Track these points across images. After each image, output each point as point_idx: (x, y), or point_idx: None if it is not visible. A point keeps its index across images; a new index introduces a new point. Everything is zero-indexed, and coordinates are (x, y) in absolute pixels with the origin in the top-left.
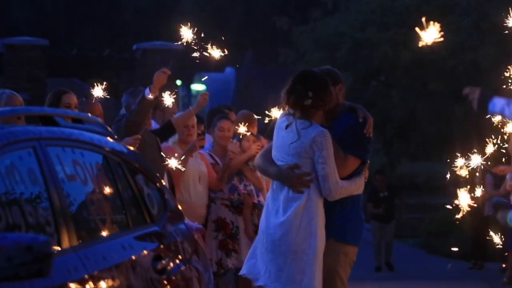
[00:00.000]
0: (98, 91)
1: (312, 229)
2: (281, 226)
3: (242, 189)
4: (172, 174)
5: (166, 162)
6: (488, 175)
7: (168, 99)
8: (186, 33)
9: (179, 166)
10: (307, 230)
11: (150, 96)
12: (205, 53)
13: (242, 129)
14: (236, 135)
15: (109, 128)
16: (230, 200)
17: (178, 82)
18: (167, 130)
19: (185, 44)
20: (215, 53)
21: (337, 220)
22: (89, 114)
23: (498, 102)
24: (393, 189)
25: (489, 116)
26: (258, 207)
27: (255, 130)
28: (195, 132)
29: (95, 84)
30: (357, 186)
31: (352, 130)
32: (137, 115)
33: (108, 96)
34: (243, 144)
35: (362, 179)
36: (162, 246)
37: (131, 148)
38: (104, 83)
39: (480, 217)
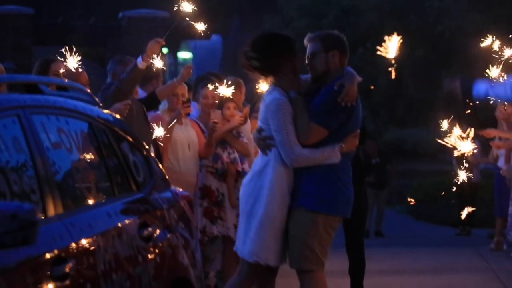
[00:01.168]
0: (71, 62)
1: (263, 194)
2: (242, 188)
3: (225, 157)
4: (159, 142)
5: (152, 131)
6: (476, 141)
7: (158, 63)
8: (186, 7)
9: (164, 134)
10: (258, 194)
11: (142, 65)
12: (191, 23)
13: (224, 90)
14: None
15: (94, 96)
16: (215, 168)
17: (165, 50)
18: (151, 101)
19: (187, 18)
20: (200, 26)
21: (304, 187)
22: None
23: (481, 87)
24: (385, 155)
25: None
26: (242, 175)
27: (242, 97)
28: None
29: (68, 53)
30: (324, 156)
31: (325, 98)
32: (127, 84)
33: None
34: (224, 112)
35: (334, 149)
36: (148, 214)
37: (117, 115)
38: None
39: (468, 183)
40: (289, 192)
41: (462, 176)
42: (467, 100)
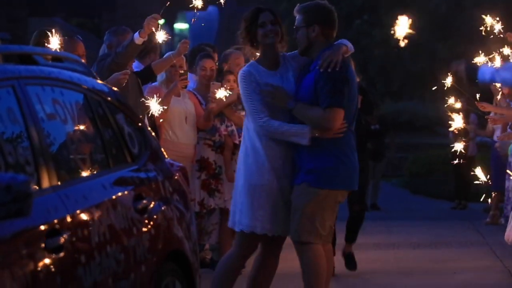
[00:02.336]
0: (54, 43)
1: (241, 164)
2: None
3: (223, 130)
4: (154, 115)
5: (147, 104)
6: (472, 115)
7: (160, 36)
8: None
9: (160, 108)
10: (239, 164)
11: (139, 41)
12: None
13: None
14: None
15: (89, 68)
16: (213, 140)
17: (161, 21)
18: (147, 75)
19: None
20: (198, 1)
21: (306, 164)
22: (72, 53)
23: (487, 70)
24: (384, 123)
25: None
26: (239, 147)
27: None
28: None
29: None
30: (292, 132)
31: (319, 81)
32: (123, 58)
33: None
34: (224, 85)
35: (303, 129)
36: (143, 186)
37: (112, 87)
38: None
39: (464, 157)
40: (268, 160)
41: (458, 147)
42: (471, 83)
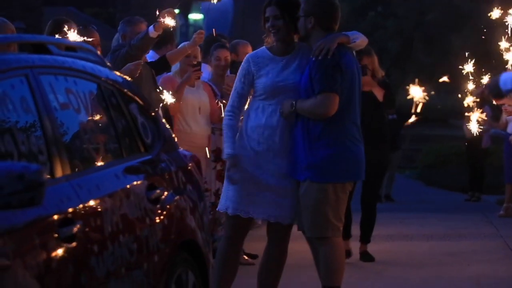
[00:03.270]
0: (73, 36)
1: None
2: None
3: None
4: (168, 105)
5: (162, 96)
6: (486, 107)
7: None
8: None
9: (173, 100)
10: None
11: (153, 34)
12: None
13: None
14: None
15: (103, 57)
16: None
17: (176, 11)
18: (161, 65)
19: None
20: None
21: (307, 159)
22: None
23: (506, 79)
24: (403, 113)
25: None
26: None
27: None
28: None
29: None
30: (226, 140)
31: (312, 69)
32: (137, 50)
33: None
34: None
35: (232, 141)
36: (156, 176)
37: (126, 77)
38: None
39: (478, 149)
40: (249, 144)
41: (473, 128)
42: (498, 98)
